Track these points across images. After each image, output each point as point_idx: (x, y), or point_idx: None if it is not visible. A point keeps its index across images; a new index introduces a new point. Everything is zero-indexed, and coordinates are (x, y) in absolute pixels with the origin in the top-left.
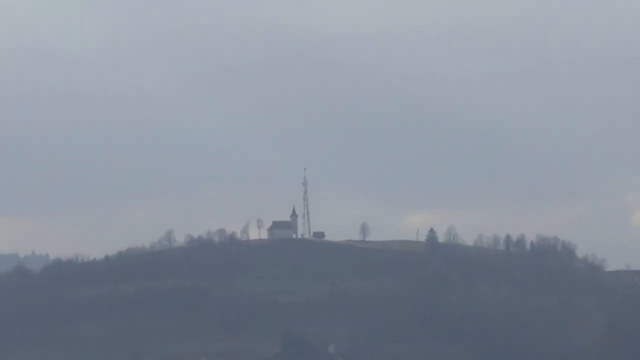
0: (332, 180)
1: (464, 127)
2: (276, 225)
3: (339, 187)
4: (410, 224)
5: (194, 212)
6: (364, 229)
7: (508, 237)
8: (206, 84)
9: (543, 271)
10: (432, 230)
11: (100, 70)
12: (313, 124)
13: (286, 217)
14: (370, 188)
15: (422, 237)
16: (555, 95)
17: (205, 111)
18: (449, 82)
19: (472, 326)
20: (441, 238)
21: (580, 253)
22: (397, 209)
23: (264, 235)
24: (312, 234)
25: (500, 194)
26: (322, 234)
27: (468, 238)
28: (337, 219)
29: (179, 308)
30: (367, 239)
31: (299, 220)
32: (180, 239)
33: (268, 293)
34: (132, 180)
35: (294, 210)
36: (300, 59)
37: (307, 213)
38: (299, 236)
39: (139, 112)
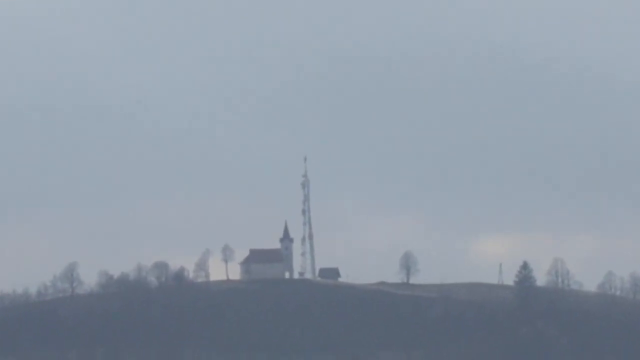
0: (351, 181)
1: (566, 85)
2: (256, 256)
3: (363, 191)
4: (486, 256)
5: (113, 233)
6: (406, 264)
7: None
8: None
9: None
10: (525, 267)
11: None
12: (316, 90)
13: (273, 244)
14: (415, 194)
15: (509, 279)
16: None
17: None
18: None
19: None
20: (541, 279)
21: None
22: (463, 230)
23: (235, 273)
24: (317, 271)
25: None
26: (335, 272)
27: (588, 280)
28: (360, 247)
29: None
30: (412, 280)
31: (296, 249)
32: (89, 278)
33: None
34: (6, 183)
35: (286, 231)
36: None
37: (310, 236)
38: (296, 276)
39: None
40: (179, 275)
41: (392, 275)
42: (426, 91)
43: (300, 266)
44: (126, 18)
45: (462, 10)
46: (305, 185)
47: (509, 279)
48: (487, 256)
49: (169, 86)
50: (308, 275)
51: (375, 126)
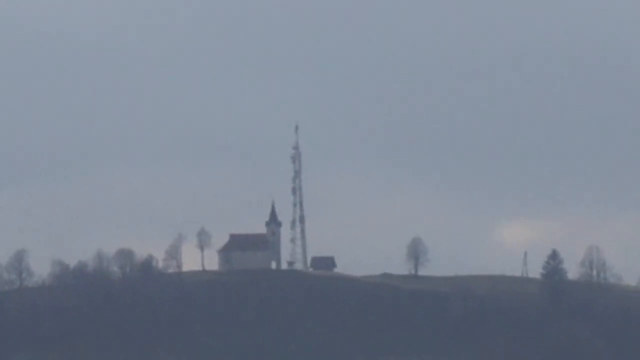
0: (349, 153)
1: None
2: (237, 242)
3: (364, 166)
4: (508, 243)
5: (68, 216)
6: (414, 252)
7: None
8: None
9: None
10: (554, 256)
11: None
12: (307, 48)
13: (258, 228)
14: (424, 168)
15: (535, 270)
16: None
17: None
18: None
19: None
20: (574, 272)
21: None
22: (481, 212)
23: (213, 263)
24: (310, 260)
25: None
26: (330, 261)
27: (628, 272)
28: (359, 231)
29: None
30: (421, 272)
31: (285, 233)
32: (40, 268)
33: None
34: None
35: (273, 213)
36: None
37: (302, 218)
38: (285, 265)
39: None
40: (147, 265)
41: (398, 265)
42: (445, 52)
43: (289, 254)
44: None
45: None
46: (295, 158)
47: (535, 271)
48: (510, 244)
49: (140, 42)
50: (299, 265)
51: (379, 88)
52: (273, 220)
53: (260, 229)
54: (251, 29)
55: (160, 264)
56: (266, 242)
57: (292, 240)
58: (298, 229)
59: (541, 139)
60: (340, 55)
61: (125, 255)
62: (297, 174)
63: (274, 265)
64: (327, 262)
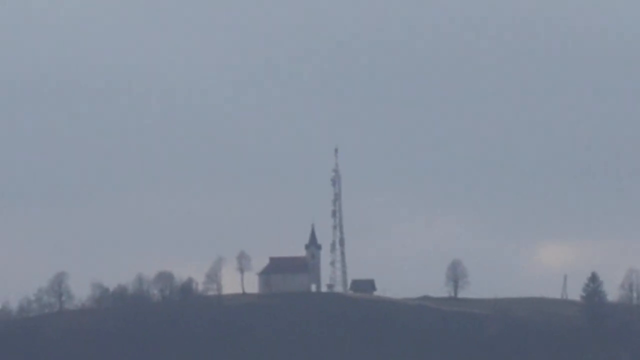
0: (388, 177)
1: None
2: (277, 265)
3: (403, 190)
4: (547, 265)
5: (108, 238)
6: (454, 275)
7: None
8: None
9: None
10: (594, 279)
11: None
12: (348, 74)
13: (298, 251)
14: (464, 193)
15: (574, 293)
16: None
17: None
18: None
19: None
20: (613, 294)
21: None
22: (520, 235)
23: (253, 286)
24: (350, 283)
25: None
26: (370, 284)
27: None
28: (399, 255)
29: None
30: (460, 294)
31: (324, 257)
32: (80, 291)
33: None
34: None
35: (313, 236)
36: None
37: (342, 241)
38: (324, 288)
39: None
40: (186, 288)
41: (438, 288)
42: (481, 77)
43: (329, 277)
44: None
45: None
46: (335, 181)
47: (575, 294)
48: (550, 267)
49: (179, 64)
50: (338, 288)
51: (418, 113)
52: (313, 243)
53: (300, 252)
54: (293, 53)
55: (200, 287)
56: (306, 265)
57: (332, 263)
58: (338, 252)
59: (582, 161)
60: (381, 78)
61: (165, 278)
62: (337, 196)
63: (313, 288)
64: (367, 285)
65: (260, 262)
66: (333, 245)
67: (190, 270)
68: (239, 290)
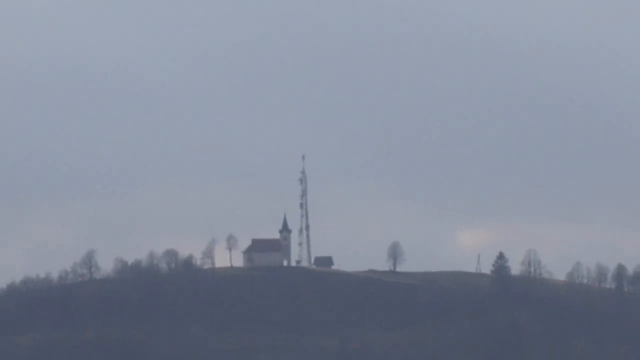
0: (344, 177)
1: (546, 99)
2: (257, 245)
3: (355, 187)
4: (466, 246)
5: (128, 224)
6: (393, 253)
7: (621, 268)
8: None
9: None
10: (501, 257)
11: None
12: (313, 93)
13: (273, 234)
14: (402, 189)
15: (486, 268)
16: None
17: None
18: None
19: None
20: (515, 269)
21: None
22: (445, 222)
23: (238, 261)
24: (313, 260)
25: (610, 201)
26: (328, 260)
27: (558, 269)
28: (352, 237)
29: None
30: (398, 268)
31: (294, 239)
32: (106, 264)
33: (243, 351)
34: (31, 173)
35: (285, 223)
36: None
37: (307, 227)
38: (294, 263)
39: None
40: (188, 262)
41: (381, 263)
42: (415, 88)
43: (297, 255)
44: (127, 8)
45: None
46: (302, 180)
47: (487, 269)
48: (467, 247)
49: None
50: (304, 264)
51: (367, 126)
52: (285, 229)
53: (275, 235)
54: (274, 80)
55: (198, 262)
56: (279, 246)
57: (300, 244)
58: (304, 235)
59: (493, 160)
60: (338, 100)
61: (171, 254)
62: (303, 192)
63: (285, 263)
64: (326, 261)
65: (244, 243)
66: (300, 230)
67: (190, 248)
68: (228, 264)
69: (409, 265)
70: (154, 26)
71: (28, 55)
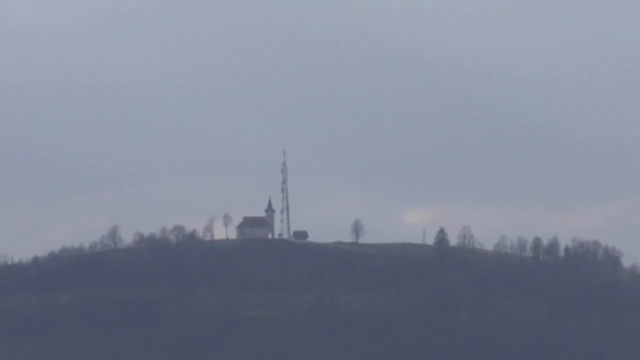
0: (317, 168)
1: (483, 102)
2: (248, 222)
3: (326, 175)
4: (413, 223)
5: (144, 205)
6: (356, 228)
7: (537, 240)
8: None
9: (581, 284)
10: (442, 231)
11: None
12: (294, 98)
13: (260, 213)
14: (363, 178)
15: (430, 240)
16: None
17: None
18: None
19: (489, 351)
20: (453, 241)
21: (626, 261)
22: (397, 204)
23: (232, 234)
24: (292, 233)
25: (529, 187)
26: (304, 234)
27: (487, 241)
28: (323, 216)
29: (126, 324)
30: (360, 240)
31: (277, 217)
32: (127, 237)
33: (237, 307)
34: (67, 168)
35: (270, 204)
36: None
37: (287, 207)
38: (276, 236)
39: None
40: (192, 236)
41: (346, 236)
42: (372, 87)
43: (279, 229)
44: (119, 9)
45: None
46: (284, 171)
47: (430, 241)
48: (414, 223)
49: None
50: (285, 236)
51: (337, 128)
52: (270, 208)
53: (262, 213)
54: (264, 82)
55: (200, 235)
56: (265, 222)
57: (282, 221)
58: (285, 214)
59: (434, 162)
60: (315, 104)
61: (178, 229)
62: (284, 180)
63: (270, 236)
64: (302, 235)
65: (237, 220)
66: (282, 210)
67: (194, 224)
68: (224, 237)
69: (368, 237)
70: (156, 44)
71: (61, 74)
